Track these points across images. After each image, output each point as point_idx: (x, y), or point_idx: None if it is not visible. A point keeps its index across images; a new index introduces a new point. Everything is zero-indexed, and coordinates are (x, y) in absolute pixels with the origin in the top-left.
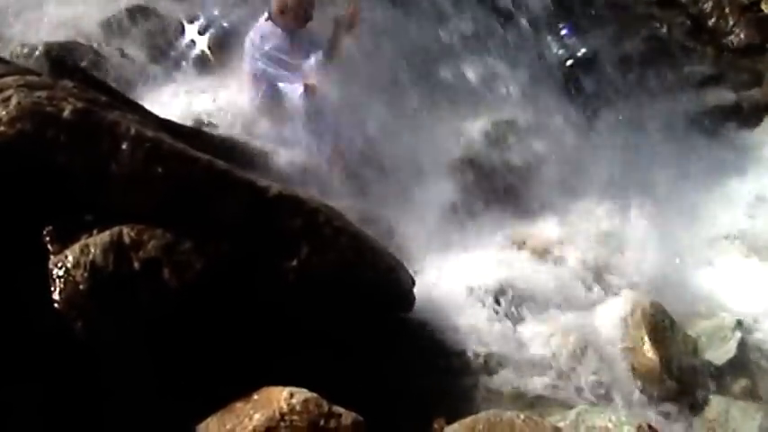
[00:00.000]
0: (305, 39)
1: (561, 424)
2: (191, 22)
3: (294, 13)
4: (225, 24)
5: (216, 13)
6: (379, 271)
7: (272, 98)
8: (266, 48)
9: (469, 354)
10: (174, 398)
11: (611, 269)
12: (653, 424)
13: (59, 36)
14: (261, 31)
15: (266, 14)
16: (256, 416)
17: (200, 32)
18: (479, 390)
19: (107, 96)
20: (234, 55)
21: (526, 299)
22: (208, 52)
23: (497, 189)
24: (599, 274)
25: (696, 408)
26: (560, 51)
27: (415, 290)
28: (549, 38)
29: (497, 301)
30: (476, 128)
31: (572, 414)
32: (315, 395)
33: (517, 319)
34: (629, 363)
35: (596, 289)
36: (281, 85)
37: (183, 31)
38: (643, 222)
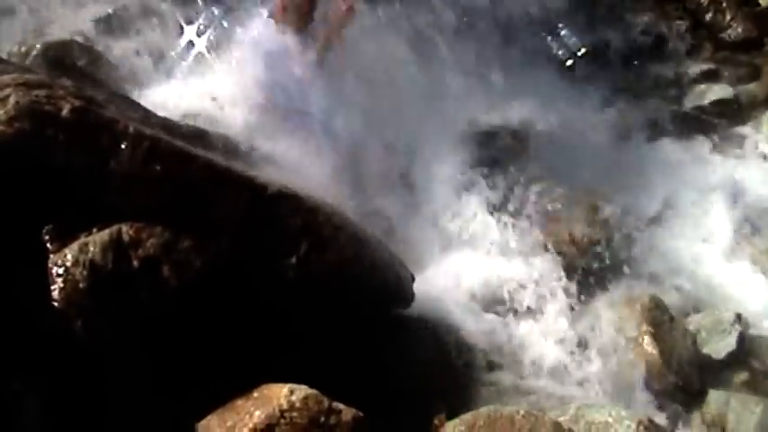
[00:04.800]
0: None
1: (561, 419)
2: (189, 20)
3: (296, 13)
4: (223, 20)
5: (214, 9)
6: (378, 268)
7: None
8: (268, 49)
9: (469, 350)
10: (174, 395)
11: (611, 264)
12: (653, 418)
13: (57, 35)
14: (262, 32)
15: (266, 13)
16: (257, 413)
17: (198, 30)
18: (479, 385)
19: (105, 95)
20: (233, 51)
21: (526, 295)
22: (206, 49)
23: (498, 187)
24: (599, 270)
25: (696, 402)
26: (557, 46)
27: (415, 286)
28: (545, 34)
29: (497, 297)
30: (475, 127)
31: (572, 409)
32: (315, 392)
33: (517, 315)
34: (628, 357)
35: (596, 284)
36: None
37: (181, 28)
38: (642, 218)
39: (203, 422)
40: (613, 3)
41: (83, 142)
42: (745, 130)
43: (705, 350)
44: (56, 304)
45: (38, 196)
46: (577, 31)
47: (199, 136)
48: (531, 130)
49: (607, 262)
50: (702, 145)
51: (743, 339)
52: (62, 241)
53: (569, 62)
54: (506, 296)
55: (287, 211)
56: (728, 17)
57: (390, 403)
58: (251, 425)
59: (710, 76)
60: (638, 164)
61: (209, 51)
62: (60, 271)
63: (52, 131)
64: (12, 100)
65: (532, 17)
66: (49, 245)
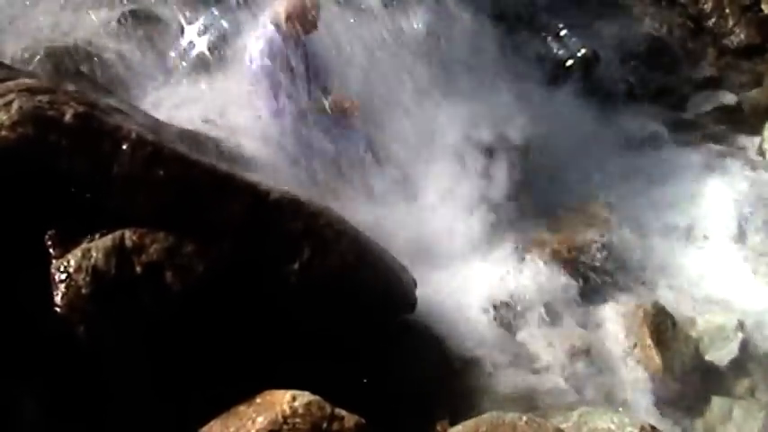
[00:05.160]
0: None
1: (563, 425)
2: (190, 24)
3: (299, 19)
4: (225, 27)
5: (216, 15)
6: (380, 273)
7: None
8: (272, 57)
9: (472, 355)
10: (176, 401)
11: (614, 271)
12: (655, 425)
13: (60, 40)
14: (266, 41)
15: (268, 21)
16: (259, 419)
17: (200, 35)
18: (482, 391)
19: (108, 100)
20: (234, 58)
21: (528, 301)
22: (207, 55)
23: (500, 192)
24: (601, 276)
25: (698, 408)
26: (561, 52)
27: (418, 292)
28: (549, 38)
29: (500, 303)
30: (476, 134)
31: (574, 415)
32: (317, 398)
33: (519, 321)
34: (631, 364)
35: (599, 291)
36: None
37: (183, 34)
38: (645, 225)
39: (206, 428)
40: (614, 9)
41: (86, 147)
42: (748, 136)
43: (708, 357)
44: (58, 309)
45: (40, 201)
46: (578, 37)
47: (201, 141)
48: (533, 137)
49: (610, 269)
50: (704, 151)
51: (745, 346)
52: (65, 247)
53: (569, 62)
54: (509, 302)
55: (289, 216)
56: (731, 23)
57: (393, 409)
58: (253, 431)
59: (713, 83)
60: (641, 170)
61: (210, 55)
62: (63, 276)
63: (55, 137)
64: (15, 105)
65: (533, 19)
66: (51, 250)
